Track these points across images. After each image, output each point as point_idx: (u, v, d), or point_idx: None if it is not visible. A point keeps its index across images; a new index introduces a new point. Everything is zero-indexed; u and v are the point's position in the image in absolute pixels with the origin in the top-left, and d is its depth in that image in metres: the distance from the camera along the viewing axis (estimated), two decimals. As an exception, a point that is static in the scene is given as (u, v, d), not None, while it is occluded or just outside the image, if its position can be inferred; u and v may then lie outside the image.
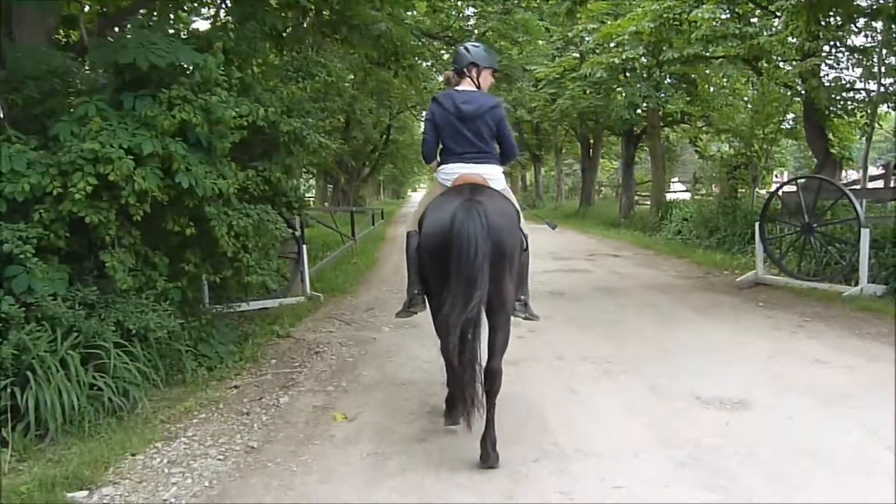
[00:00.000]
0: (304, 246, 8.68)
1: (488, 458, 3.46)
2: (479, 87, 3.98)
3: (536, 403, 4.42)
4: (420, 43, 16.71)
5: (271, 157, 5.56)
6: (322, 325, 7.10)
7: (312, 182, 28.79)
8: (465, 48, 4.07)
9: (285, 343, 6.28)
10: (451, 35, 18.85)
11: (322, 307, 8.06)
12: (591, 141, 26.08)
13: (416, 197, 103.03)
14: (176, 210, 4.76)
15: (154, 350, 4.86)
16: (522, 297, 4.12)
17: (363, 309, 7.85)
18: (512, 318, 3.86)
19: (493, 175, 3.90)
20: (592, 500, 3.12)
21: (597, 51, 16.38)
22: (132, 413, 4.42)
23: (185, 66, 4.49)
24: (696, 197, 19.23)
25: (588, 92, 19.48)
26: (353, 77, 14.66)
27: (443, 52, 20.14)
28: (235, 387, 5.08)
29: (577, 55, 19.67)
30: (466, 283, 3.29)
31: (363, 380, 5.13)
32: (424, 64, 18.04)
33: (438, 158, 4.07)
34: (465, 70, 3.97)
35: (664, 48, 13.14)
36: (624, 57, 14.35)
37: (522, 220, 3.96)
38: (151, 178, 4.29)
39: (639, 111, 18.48)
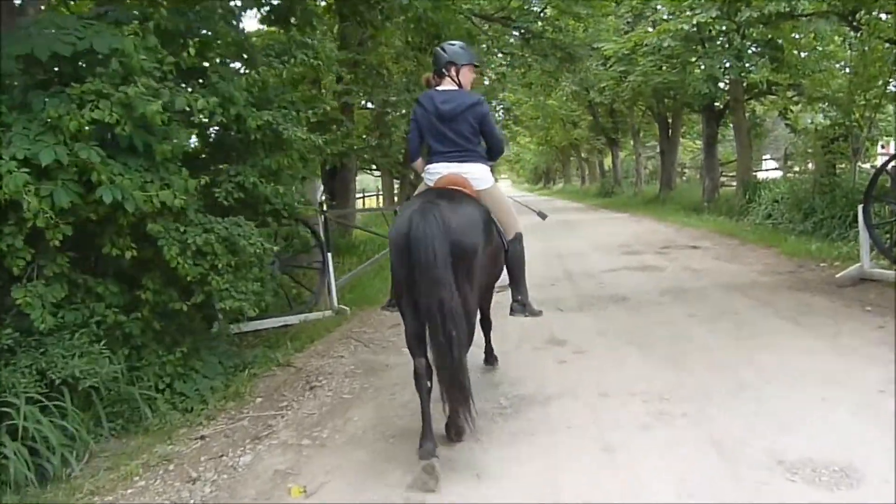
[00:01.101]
0: (330, 254, 7.82)
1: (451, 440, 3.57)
2: (459, 84, 4.01)
3: (553, 471, 3.30)
4: (473, 25, 15.57)
5: (245, 158, 4.66)
6: (335, 347, 6.19)
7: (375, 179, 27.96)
8: (442, 48, 4.09)
9: (283, 374, 5.40)
10: (508, 16, 17.63)
11: (345, 323, 7.18)
12: (670, 120, 24.15)
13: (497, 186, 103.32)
14: (113, 229, 3.93)
15: (98, 399, 4.08)
16: (519, 298, 4.19)
17: (389, 325, 6.89)
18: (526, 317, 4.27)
19: (476, 173, 3.93)
20: None
21: (668, 18, 14.79)
22: (63, 479, 3.65)
23: (102, 53, 3.62)
24: (788, 176, 17.23)
25: (662, 67, 17.84)
26: (394, 64, 13.59)
27: (506, 36, 18.92)
28: (202, 437, 4.23)
29: (651, 27, 18.03)
30: (431, 284, 3.21)
31: (350, 427, 4.16)
32: (481, 48, 16.88)
33: (422, 159, 4.16)
34: (443, 70, 4.00)
35: (741, 7, 11.46)
36: (695, 21, 12.74)
37: (511, 218, 4.17)
38: (62, 194, 3.47)
39: (720, 84, 16.70)
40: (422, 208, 3.38)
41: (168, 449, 4.04)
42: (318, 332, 6.77)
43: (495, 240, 3.94)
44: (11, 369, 3.53)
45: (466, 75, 4.06)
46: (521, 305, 4.21)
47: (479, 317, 4.20)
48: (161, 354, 4.70)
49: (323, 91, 15.40)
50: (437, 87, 4.01)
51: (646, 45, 17.30)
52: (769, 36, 14.08)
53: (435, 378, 3.38)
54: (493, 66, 20.27)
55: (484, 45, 16.53)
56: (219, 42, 4.66)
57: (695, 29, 13.72)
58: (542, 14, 16.67)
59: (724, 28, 13.76)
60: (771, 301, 6.62)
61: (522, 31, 16.24)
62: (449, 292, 3.23)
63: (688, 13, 13.11)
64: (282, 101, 4.87)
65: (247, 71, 4.36)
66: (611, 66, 19.43)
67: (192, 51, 3.95)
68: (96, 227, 3.91)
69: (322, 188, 7.72)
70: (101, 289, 4.09)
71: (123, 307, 4.31)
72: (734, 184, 18.87)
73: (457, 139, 3.88)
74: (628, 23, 20.32)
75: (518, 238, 4.27)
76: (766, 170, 21.89)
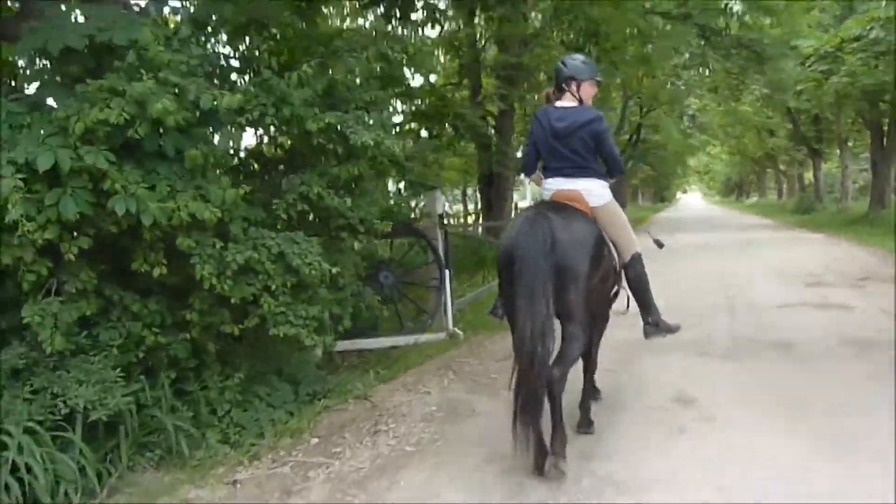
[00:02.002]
0: (448, 271, 7.16)
1: (557, 456, 3.37)
2: (580, 101, 3.93)
3: None
4: (643, 21, 14.18)
5: (308, 166, 4.12)
6: (426, 378, 5.49)
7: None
8: (563, 62, 4.02)
9: (355, 409, 4.79)
10: (688, 12, 15.94)
11: (453, 349, 6.47)
12: (885, 127, 20.73)
13: (686, 199, 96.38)
14: (142, 243, 3.54)
15: (128, 427, 3.72)
16: (650, 319, 4.07)
17: (500, 357, 6.06)
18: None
19: (591, 189, 3.85)
20: None
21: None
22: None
23: (122, 46, 3.22)
24: None
25: (877, 65, 15.22)
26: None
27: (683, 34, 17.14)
28: (234, 482, 3.72)
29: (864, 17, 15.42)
30: (529, 297, 3.28)
31: (392, 495, 3.42)
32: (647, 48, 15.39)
33: (541, 174, 4.15)
34: (563, 85, 3.95)
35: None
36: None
37: (627, 238, 3.95)
38: (70, 203, 3.09)
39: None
40: (532, 220, 3.46)
41: (193, 493, 3.58)
42: (418, 357, 6.13)
43: (606, 260, 3.78)
44: (14, 394, 3.21)
45: (587, 90, 3.98)
46: (654, 326, 4.07)
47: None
48: (220, 379, 4.31)
49: (483, 96, 14.93)
50: (557, 103, 3.97)
51: (858, 37, 14.87)
52: None
53: None
54: (670, 68, 18.59)
55: (650, 46, 14.96)
56: (278, 36, 4.17)
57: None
58: (727, 8, 14.81)
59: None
60: None
61: (702, 27, 14.53)
62: (543, 307, 3.26)
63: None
64: (359, 100, 4.26)
65: (308, 67, 3.76)
66: (810, 66, 17.03)
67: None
68: (128, 241, 3.54)
69: (443, 199, 7.04)
70: (138, 307, 3.72)
71: (169, 327, 3.93)
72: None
73: (571, 156, 3.84)
74: (835, 16, 17.75)
75: (636, 258, 4.01)
76: None
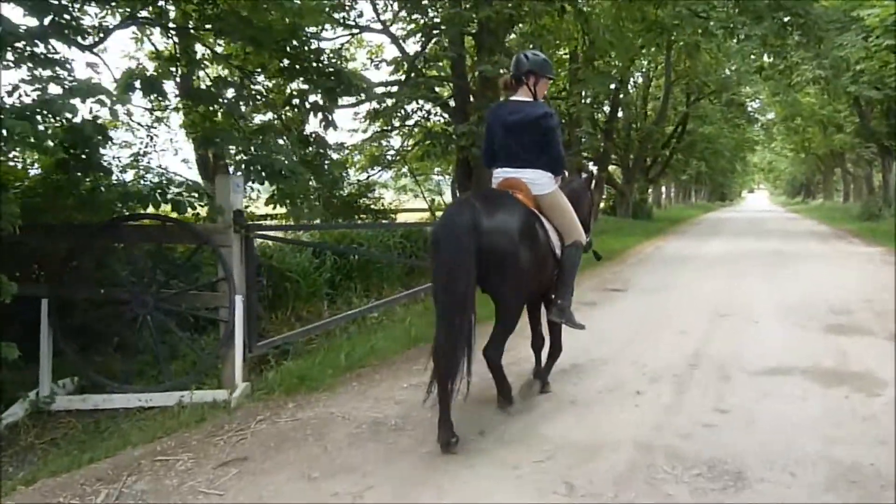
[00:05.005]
0: (240, 298, 4.74)
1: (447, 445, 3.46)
2: (535, 95, 4.15)
3: None
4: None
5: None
6: (143, 467, 3.20)
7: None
8: (525, 55, 4.17)
9: None
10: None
11: (225, 416, 4.15)
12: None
13: (750, 199, 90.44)
14: None
15: None
16: (560, 302, 4.20)
17: (287, 442, 3.68)
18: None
19: (534, 179, 4.07)
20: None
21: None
22: None
23: None
24: None
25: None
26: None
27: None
28: None
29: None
30: (448, 273, 3.45)
31: None
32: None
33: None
34: (522, 77, 4.13)
35: None
36: None
37: (570, 225, 4.15)
38: None
39: None
40: (460, 205, 3.75)
41: None
42: (165, 429, 3.89)
43: (542, 246, 3.89)
44: None
45: (543, 87, 4.21)
46: (559, 310, 4.21)
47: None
48: None
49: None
50: (512, 97, 4.19)
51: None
52: None
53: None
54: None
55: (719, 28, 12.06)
56: None
57: None
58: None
59: None
60: None
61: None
62: (462, 285, 3.41)
63: None
64: None
65: None
66: (874, 41, 13.84)
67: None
68: None
69: (240, 187, 4.68)
70: None
71: None
72: None
73: (518, 149, 4.06)
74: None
75: (576, 244, 4.20)
76: None
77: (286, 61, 6.58)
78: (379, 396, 4.55)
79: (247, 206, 7.13)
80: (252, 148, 5.76)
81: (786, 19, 11.69)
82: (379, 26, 13.04)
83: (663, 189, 45.63)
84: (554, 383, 4.65)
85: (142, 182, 5.34)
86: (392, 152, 13.11)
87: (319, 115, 6.82)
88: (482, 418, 3.99)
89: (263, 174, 5.34)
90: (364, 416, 4.13)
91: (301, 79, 6.59)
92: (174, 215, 5.07)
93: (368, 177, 12.78)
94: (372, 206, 12.66)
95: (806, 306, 7.59)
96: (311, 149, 6.97)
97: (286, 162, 5.67)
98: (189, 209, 5.09)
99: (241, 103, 6.41)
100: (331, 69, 6.53)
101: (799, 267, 11.39)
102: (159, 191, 4.86)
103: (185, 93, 6.46)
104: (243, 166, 5.41)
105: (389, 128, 12.59)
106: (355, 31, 13.33)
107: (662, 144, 30.18)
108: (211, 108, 6.17)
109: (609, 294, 8.82)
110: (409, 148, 12.89)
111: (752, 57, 17.29)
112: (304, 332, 5.51)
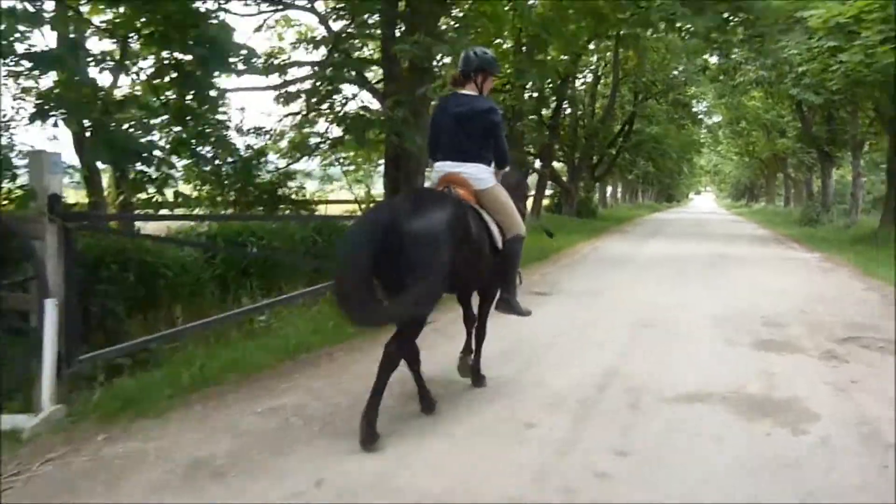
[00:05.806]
0: (52, 301, 3.85)
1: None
2: (481, 91, 4.25)
3: None
4: None
5: None
6: None
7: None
8: (474, 52, 4.28)
9: None
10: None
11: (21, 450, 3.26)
12: (907, 129, 17.22)
13: (697, 201, 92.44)
14: None
15: None
16: (506, 296, 4.29)
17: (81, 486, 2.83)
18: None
19: (474, 174, 4.10)
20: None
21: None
22: None
23: None
24: None
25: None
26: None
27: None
28: None
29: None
30: (352, 263, 3.41)
31: None
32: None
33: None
34: (471, 74, 4.21)
35: None
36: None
37: (510, 219, 4.17)
38: None
39: None
40: (379, 205, 4.24)
41: None
42: None
43: (476, 241, 3.86)
44: None
45: (489, 84, 4.31)
46: (506, 305, 4.30)
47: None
48: None
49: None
50: (460, 91, 4.23)
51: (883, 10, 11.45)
52: None
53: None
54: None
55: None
56: None
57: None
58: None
59: None
60: None
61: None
62: (361, 265, 3.35)
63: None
64: None
65: None
66: (816, 42, 13.55)
67: None
68: None
69: (58, 167, 3.75)
70: None
71: None
72: None
73: (464, 142, 4.09)
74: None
75: (516, 239, 4.24)
76: None
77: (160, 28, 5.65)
78: (217, 426, 3.73)
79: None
80: (105, 123, 4.84)
81: (725, 15, 11.23)
82: (304, 2, 12.10)
83: (609, 188, 45.59)
84: (438, 414, 3.93)
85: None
86: (316, 139, 12.17)
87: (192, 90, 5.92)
88: (326, 462, 3.22)
89: (104, 152, 4.45)
90: (183, 455, 3.30)
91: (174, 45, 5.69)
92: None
93: (287, 164, 11.83)
94: (292, 196, 11.72)
95: (737, 315, 7.05)
96: (191, 127, 6.06)
97: (143, 141, 4.77)
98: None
99: (94, 68, 5.48)
100: (211, 35, 5.64)
101: (738, 272, 10.95)
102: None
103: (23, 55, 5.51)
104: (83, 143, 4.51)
105: (306, 111, 11.67)
106: (279, 6, 12.35)
107: (609, 143, 29.87)
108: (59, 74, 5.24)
109: (532, 298, 8.11)
110: (334, 135, 11.98)
111: (697, 55, 16.87)
112: (142, 342, 4.59)
